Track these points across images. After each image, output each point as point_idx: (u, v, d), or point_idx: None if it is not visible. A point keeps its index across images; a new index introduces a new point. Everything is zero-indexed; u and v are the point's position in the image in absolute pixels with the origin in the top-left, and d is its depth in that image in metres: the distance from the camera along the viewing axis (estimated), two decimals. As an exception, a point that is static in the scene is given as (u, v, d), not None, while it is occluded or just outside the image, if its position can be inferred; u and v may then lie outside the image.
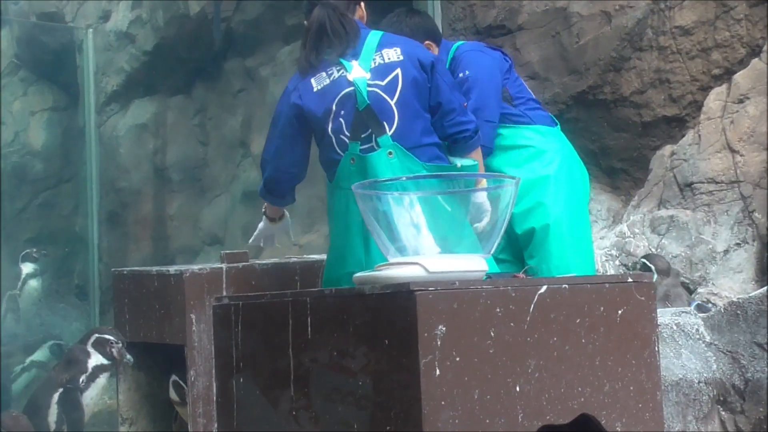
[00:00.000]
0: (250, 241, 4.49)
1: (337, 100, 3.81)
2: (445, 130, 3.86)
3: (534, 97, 4.63)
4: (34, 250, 8.12)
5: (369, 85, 3.79)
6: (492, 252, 2.58)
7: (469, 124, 3.91)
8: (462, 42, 4.59)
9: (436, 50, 4.38)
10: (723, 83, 5.87)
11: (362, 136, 3.79)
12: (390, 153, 3.71)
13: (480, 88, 4.37)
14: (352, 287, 2.44)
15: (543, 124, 4.54)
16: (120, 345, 4.70)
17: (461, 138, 3.87)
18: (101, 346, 4.68)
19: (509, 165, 4.37)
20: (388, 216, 2.50)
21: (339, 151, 3.83)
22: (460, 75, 4.35)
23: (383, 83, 3.80)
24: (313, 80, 3.86)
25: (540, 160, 4.47)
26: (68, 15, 9.24)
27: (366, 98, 3.76)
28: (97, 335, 4.71)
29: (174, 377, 4.61)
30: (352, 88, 3.79)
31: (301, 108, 3.87)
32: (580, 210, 4.53)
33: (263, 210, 4.36)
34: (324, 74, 3.86)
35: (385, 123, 3.77)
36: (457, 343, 2.25)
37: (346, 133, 3.80)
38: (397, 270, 2.43)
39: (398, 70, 3.82)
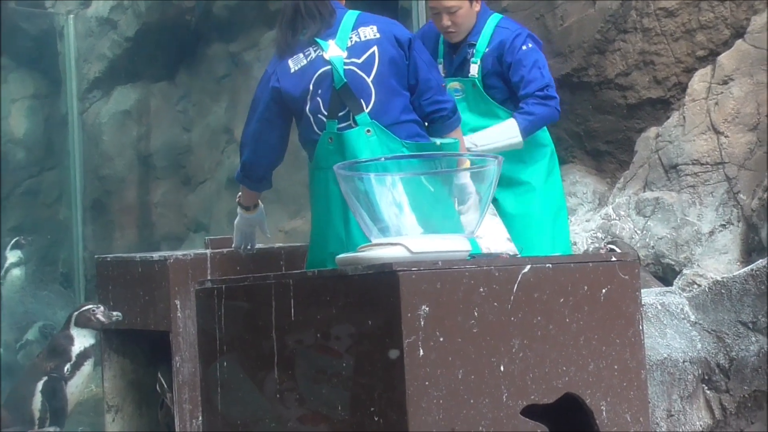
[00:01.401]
0: (234, 246, 4.45)
1: (314, 79, 3.81)
2: (423, 108, 3.86)
3: None
4: (22, 237, 8.08)
5: (345, 64, 3.79)
6: (475, 232, 2.56)
7: (447, 103, 3.90)
8: (501, 16, 4.59)
9: (478, 5, 4.38)
10: (707, 65, 5.87)
11: (340, 114, 3.79)
12: (368, 131, 3.72)
13: (545, 61, 4.43)
14: (335, 269, 2.43)
15: None
16: (101, 308, 4.67)
17: (438, 117, 3.88)
18: (85, 320, 4.65)
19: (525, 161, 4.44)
20: (370, 197, 2.49)
21: (317, 130, 3.82)
22: (524, 47, 4.39)
23: (360, 61, 3.80)
24: (290, 62, 3.87)
25: (553, 158, 4.58)
26: (48, 1, 9.19)
27: (343, 76, 3.76)
28: (75, 313, 4.68)
29: (159, 374, 4.60)
30: (328, 66, 3.79)
31: (279, 90, 3.87)
32: (562, 203, 4.63)
33: (237, 199, 4.33)
34: (301, 55, 3.86)
35: (362, 101, 3.77)
36: (441, 323, 2.25)
37: (324, 112, 3.80)
38: (380, 251, 2.42)
39: (375, 48, 3.82)
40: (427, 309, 2.23)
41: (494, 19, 4.46)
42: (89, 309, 4.67)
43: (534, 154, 4.47)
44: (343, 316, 2.31)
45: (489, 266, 2.35)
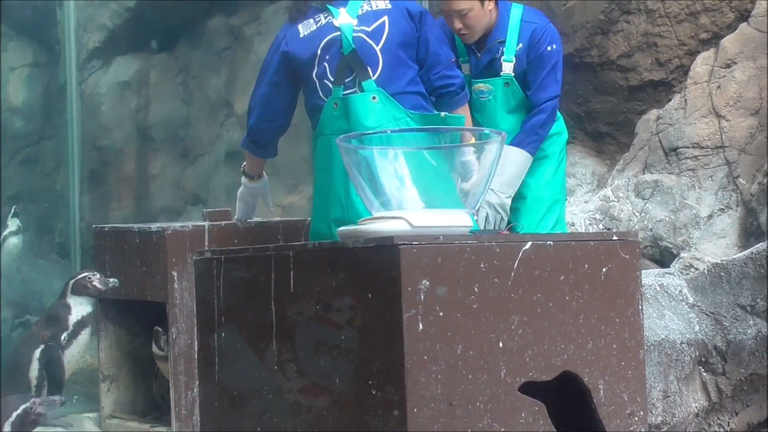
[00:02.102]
0: (236, 218, 4.49)
1: (322, 44, 3.83)
2: (432, 83, 3.88)
3: None
4: (18, 206, 8.07)
5: (355, 31, 3.81)
6: (477, 207, 2.55)
7: (455, 79, 3.93)
8: (522, 6, 4.50)
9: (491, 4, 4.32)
10: (710, 48, 5.85)
11: (346, 80, 3.82)
12: (374, 97, 3.73)
13: (561, 65, 4.38)
14: (336, 241, 2.42)
15: None
16: (97, 275, 4.67)
17: (446, 92, 3.89)
18: (82, 288, 4.64)
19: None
20: (372, 169, 2.48)
21: (323, 96, 3.85)
22: (549, 48, 4.30)
23: (369, 29, 3.82)
24: (300, 27, 3.89)
25: (565, 147, 4.62)
26: (48, -32, 9.14)
27: (351, 42, 3.79)
28: (72, 281, 4.67)
29: (157, 327, 4.59)
30: (337, 32, 3.82)
31: (288, 54, 3.89)
32: (565, 193, 4.64)
33: (242, 168, 4.34)
34: (311, 21, 3.89)
35: (369, 68, 3.80)
36: (441, 298, 2.24)
37: (330, 77, 3.83)
38: (381, 224, 2.41)
39: (385, 18, 3.84)
40: (427, 283, 2.22)
41: (517, 11, 4.35)
42: (85, 276, 4.67)
43: (549, 142, 4.46)
44: (343, 289, 2.30)
45: (490, 242, 2.34)
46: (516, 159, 4.17)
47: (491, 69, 4.34)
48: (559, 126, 4.52)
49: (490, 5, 4.25)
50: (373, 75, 3.80)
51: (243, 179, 4.34)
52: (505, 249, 2.35)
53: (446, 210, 2.48)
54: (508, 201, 4.14)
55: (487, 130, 2.66)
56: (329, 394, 2.32)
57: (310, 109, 3.93)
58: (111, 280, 4.64)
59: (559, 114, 4.56)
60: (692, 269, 4.98)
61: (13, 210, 7.90)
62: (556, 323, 2.42)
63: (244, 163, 4.32)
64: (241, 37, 8.29)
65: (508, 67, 4.31)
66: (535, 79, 4.28)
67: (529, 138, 4.22)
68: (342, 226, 3.22)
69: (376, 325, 2.23)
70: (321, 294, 2.34)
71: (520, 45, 4.28)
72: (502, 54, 4.31)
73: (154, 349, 4.65)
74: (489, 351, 2.30)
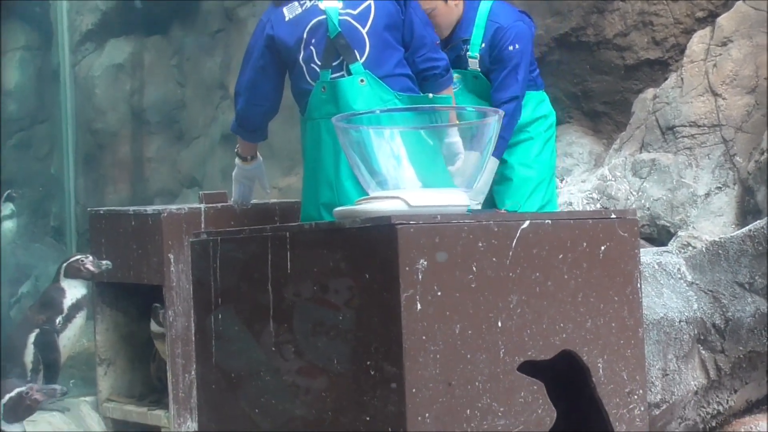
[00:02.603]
0: (233, 200, 4.47)
1: (308, 28, 3.83)
2: (417, 65, 3.89)
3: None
4: (13, 190, 8.05)
5: (341, 14, 3.80)
6: (475, 187, 2.53)
7: (440, 61, 3.94)
8: (493, 2, 4.47)
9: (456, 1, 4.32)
10: (707, 26, 5.83)
11: (333, 63, 3.81)
12: (362, 80, 3.73)
13: (525, 64, 4.35)
14: (332, 221, 2.41)
15: (542, 85, 4.57)
16: (90, 258, 4.65)
17: (431, 75, 3.90)
18: (75, 271, 4.63)
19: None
20: (368, 149, 2.46)
21: (310, 80, 3.84)
22: (510, 48, 4.30)
23: (355, 12, 3.82)
24: (285, 10, 3.88)
25: (553, 129, 4.60)
26: (40, -51, 9.09)
27: (337, 26, 3.78)
28: (64, 264, 4.65)
29: (156, 304, 4.59)
30: (323, 16, 3.81)
31: (273, 38, 3.87)
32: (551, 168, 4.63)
33: (236, 150, 4.32)
34: (296, 4, 3.87)
35: (356, 51, 3.79)
36: (439, 277, 2.22)
37: (317, 61, 3.82)
38: (378, 204, 2.39)
39: (371, 1, 3.83)
40: (425, 263, 2.20)
41: (485, 7, 4.36)
42: (78, 259, 4.65)
43: (535, 125, 4.46)
44: (340, 270, 2.29)
45: (488, 221, 2.32)
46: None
47: (459, 63, 4.37)
48: (545, 109, 4.53)
49: (456, 2, 4.25)
50: (361, 58, 3.79)
51: (237, 161, 4.33)
52: (503, 228, 2.33)
53: (443, 189, 2.47)
54: (479, 207, 4.14)
55: (484, 109, 2.64)
56: (327, 375, 2.30)
57: (297, 94, 3.92)
58: (104, 262, 4.62)
59: (544, 95, 4.56)
60: (690, 248, 4.97)
61: (6, 194, 7.88)
62: (554, 302, 2.41)
63: (238, 145, 4.31)
64: (235, 19, 8.26)
65: (473, 64, 4.37)
66: (495, 79, 4.30)
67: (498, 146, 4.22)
68: (332, 209, 3.23)
69: (374, 305, 2.21)
70: (318, 275, 2.33)
71: (483, 44, 4.29)
72: (467, 51, 4.32)
73: (153, 326, 4.63)
74: (488, 330, 2.29)
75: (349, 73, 3.77)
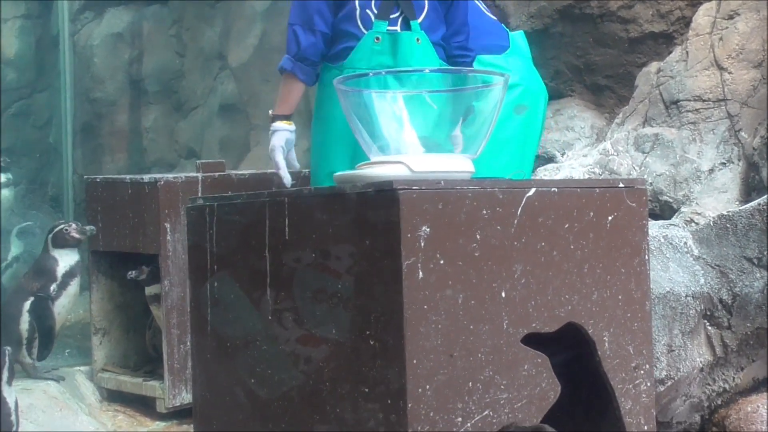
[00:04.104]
0: (284, 179, 3.90)
1: None
2: (451, 49, 3.85)
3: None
4: (4, 159, 7.99)
5: None
6: (479, 153, 2.47)
7: (471, 54, 3.91)
8: None
9: None
10: (713, -2, 5.76)
11: (391, 16, 3.70)
12: (418, 39, 3.64)
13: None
14: (332, 186, 2.34)
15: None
16: (73, 225, 4.61)
17: (460, 62, 3.85)
18: (62, 240, 4.58)
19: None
20: (369, 112, 2.39)
21: (361, 26, 3.71)
22: None
23: None
24: None
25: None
26: None
27: None
28: (50, 235, 4.60)
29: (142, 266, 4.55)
30: None
31: None
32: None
33: (271, 113, 3.94)
34: None
35: (416, 10, 3.71)
36: (442, 245, 2.16)
37: (374, 9, 3.70)
38: (380, 169, 2.33)
39: None
40: (428, 230, 2.14)
41: None
42: (62, 228, 4.61)
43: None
44: (340, 236, 2.22)
45: (493, 188, 2.26)
46: None
47: None
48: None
49: None
50: (419, 18, 3.71)
51: (277, 125, 3.90)
52: (508, 195, 2.27)
53: (447, 154, 2.40)
54: None
55: (490, 73, 2.57)
56: (325, 344, 2.24)
57: (336, 35, 3.76)
58: (88, 228, 4.59)
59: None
60: (693, 224, 4.92)
61: (3, 162, 7.82)
62: (560, 273, 2.35)
63: (275, 107, 3.94)
64: (235, -11, 8.18)
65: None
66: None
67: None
68: None
69: (375, 273, 2.15)
70: (318, 241, 2.26)
71: None
72: None
73: (147, 290, 4.59)
74: (491, 301, 2.23)
75: (409, 29, 3.69)
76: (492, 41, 4.47)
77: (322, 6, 3.76)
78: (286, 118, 3.89)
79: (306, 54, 3.80)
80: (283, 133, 3.87)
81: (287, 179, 3.88)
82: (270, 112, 3.94)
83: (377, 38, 3.67)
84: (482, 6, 4.56)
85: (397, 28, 3.70)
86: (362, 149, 3.52)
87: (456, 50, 3.88)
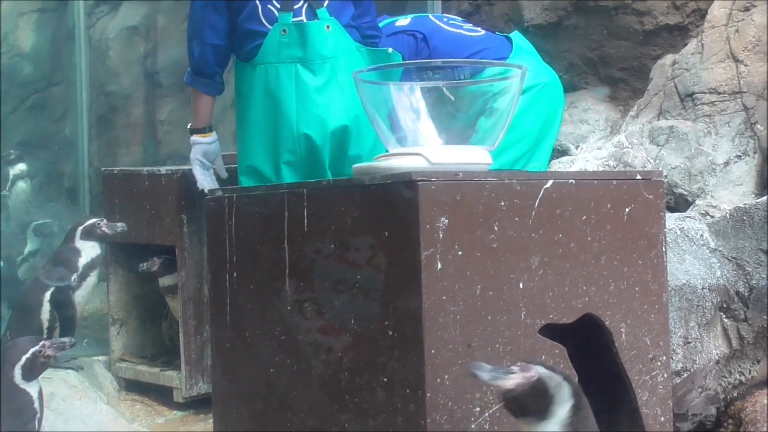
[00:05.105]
0: (204, 187, 4.05)
1: None
2: (363, 30, 3.83)
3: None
4: (17, 151, 8.02)
5: None
6: (496, 145, 2.48)
7: (380, 33, 3.93)
8: None
9: None
10: (728, -10, 5.75)
11: (294, 7, 3.70)
12: (328, 26, 3.65)
13: None
14: (351, 177, 2.35)
15: None
16: (104, 221, 4.63)
17: (372, 43, 3.86)
18: (90, 234, 4.60)
19: None
20: (388, 104, 2.40)
21: (265, 22, 3.71)
22: None
23: None
24: None
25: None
26: None
27: None
28: (80, 227, 4.62)
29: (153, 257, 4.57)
30: None
31: None
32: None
33: (189, 127, 4.10)
34: None
35: None
36: (460, 236, 2.18)
37: (276, 3, 3.70)
38: (399, 160, 2.34)
39: None
40: (446, 221, 2.15)
41: None
42: (94, 222, 4.63)
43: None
44: (359, 228, 2.24)
45: (510, 179, 2.27)
46: None
47: None
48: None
49: None
50: (324, 4, 3.71)
51: (193, 138, 4.08)
52: (526, 187, 2.29)
53: (465, 146, 2.42)
54: None
55: (508, 65, 2.58)
56: (344, 335, 2.26)
57: (244, 36, 3.76)
58: (119, 225, 4.60)
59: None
60: (708, 217, 4.92)
61: (14, 154, 7.84)
62: (577, 264, 2.36)
63: (191, 121, 4.09)
64: (249, -19, 8.18)
65: None
66: None
67: None
68: (294, 166, 3.17)
69: (393, 265, 2.17)
70: (337, 232, 2.28)
71: None
72: None
73: (162, 281, 4.60)
74: (509, 292, 2.25)
75: (316, 17, 3.68)
76: (490, 56, 4.45)
77: (211, 18, 3.79)
78: (202, 131, 4.04)
79: (200, 67, 3.87)
80: (199, 146, 4.06)
81: (208, 187, 3.97)
82: (188, 126, 4.08)
83: (284, 30, 3.67)
84: (465, 29, 4.49)
85: (303, 18, 3.69)
86: (281, 146, 3.65)
87: (367, 30, 3.85)
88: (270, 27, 3.69)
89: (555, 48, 6.27)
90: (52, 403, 3.35)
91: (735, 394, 3.85)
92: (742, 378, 3.85)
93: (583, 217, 2.38)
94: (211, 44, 3.82)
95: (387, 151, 2.50)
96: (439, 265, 2.14)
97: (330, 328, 2.29)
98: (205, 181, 4.06)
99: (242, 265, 2.54)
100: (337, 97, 3.68)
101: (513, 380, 1.98)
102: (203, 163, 4.07)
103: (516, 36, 4.64)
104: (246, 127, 3.84)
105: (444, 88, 2.45)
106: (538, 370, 1.99)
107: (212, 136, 4.08)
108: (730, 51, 5.54)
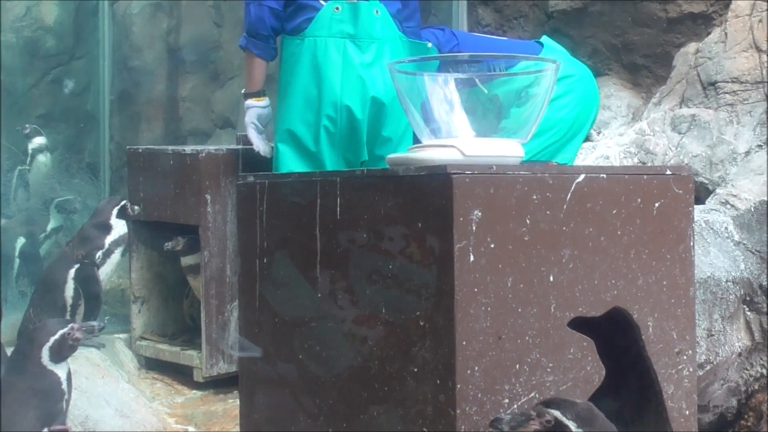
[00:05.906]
0: (261, 151, 4.27)
1: None
2: (406, 33, 3.96)
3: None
4: (29, 125, 8.02)
5: None
6: (529, 138, 2.50)
7: (423, 39, 4.03)
8: None
9: None
10: (754, -21, 5.73)
11: None
12: (377, 11, 3.73)
13: None
14: (385, 168, 2.37)
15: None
16: (128, 203, 4.70)
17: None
18: (123, 214, 4.65)
19: None
20: (423, 95, 2.42)
21: None
22: None
23: None
24: None
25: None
26: None
27: None
28: (117, 207, 4.65)
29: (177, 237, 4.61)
30: None
31: None
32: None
33: (243, 91, 4.23)
34: None
35: None
36: (492, 229, 2.20)
37: None
38: (433, 152, 2.36)
39: None
40: (480, 214, 2.17)
41: None
42: (125, 203, 4.68)
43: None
44: (392, 218, 2.26)
45: (543, 173, 2.29)
46: None
47: None
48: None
49: None
50: None
51: (248, 102, 4.21)
52: (558, 181, 2.30)
53: (498, 139, 2.43)
54: None
55: (542, 59, 2.59)
56: (377, 324, 2.28)
57: (296, 10, 3.87)
58: (136, 207, 4.67)
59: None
60: (728, 206, 4.92)
61: (30, 128, 7.84)
62: (607, 258, 2.38)
63: (246, 85, 4.21)
64: (274, -41, 8.17)
65: None
66: None
67: None
68: (333, 136, 3.19)
69: (426, 256, 2.19)
70: (370, 222, 2.30)
71: None
72: None
73: (183, 261, 4.63)
74: (539, 284, 2.27)
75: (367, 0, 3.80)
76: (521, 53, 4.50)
77: None
78: (256, 94, 4.18)
79: (255, 29, 3.99)
80: (253, 109, 4.20)
81: (263, 151, 4.20)
82: (242, 90, 4.23)
83: (337, 8, 3.78)
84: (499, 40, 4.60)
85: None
86: (323, 113, 3.80)
87: (411, 36, 3.96)
88: (324, 3, 3.81)
89: (579, 34, 6.26)
90: (75, 381, 3.38)
91: (756, 387, 3.87)
92: (764, 371, 3.87)
93: (614, 211, 2.39)
94: (268, 6, 3.92)
95: (419, 140, 2.52)
96: (472, 257, 2.16)
97: (362, 317, 2.31)
98: (261, 145, 4.23)
99: (273, 251, 2.56)
100: (379, 75, 3.79)
101: (532, 426, 2.04)
102: (257, 127, 4.23)
103: (546, 39, 4.67)
104: (289, 96, 3.95)
105: (477, 81, 2.47)
106: (552, 413, 2.05)
107: (266, 101, 4.21)
108: (753, 41, 5.53)
